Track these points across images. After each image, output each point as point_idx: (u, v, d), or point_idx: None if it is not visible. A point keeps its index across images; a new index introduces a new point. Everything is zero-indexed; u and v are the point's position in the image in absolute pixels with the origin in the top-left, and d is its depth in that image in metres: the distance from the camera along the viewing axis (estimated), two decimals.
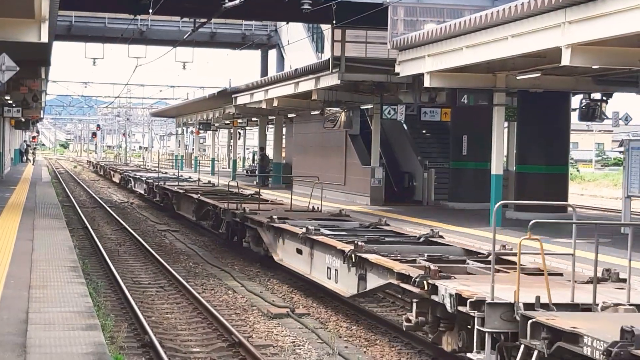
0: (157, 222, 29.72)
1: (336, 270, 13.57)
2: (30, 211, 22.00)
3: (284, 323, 13.39)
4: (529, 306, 8.43)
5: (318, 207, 20.90)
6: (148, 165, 66.61)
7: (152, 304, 14.84)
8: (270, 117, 45.99)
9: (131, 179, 44.52)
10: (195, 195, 25.81)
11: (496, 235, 8.99)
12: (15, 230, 17.30)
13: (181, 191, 28.72)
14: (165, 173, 46.01)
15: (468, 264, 11.62)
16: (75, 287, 11.03)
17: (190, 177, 40.05)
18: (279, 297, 15.82)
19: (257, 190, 24.50)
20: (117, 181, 51.39)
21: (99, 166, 71.48)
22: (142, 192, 39.37)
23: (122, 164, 71.16)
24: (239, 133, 60.83)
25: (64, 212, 25.09)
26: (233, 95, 41.80)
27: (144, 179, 39.96)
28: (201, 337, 12.43)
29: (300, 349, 11.73)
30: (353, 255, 12.61)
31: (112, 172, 56.91)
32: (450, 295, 9.24)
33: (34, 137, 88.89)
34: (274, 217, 17.68)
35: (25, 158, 74.09)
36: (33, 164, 67.22)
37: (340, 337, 12.57)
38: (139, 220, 29.96)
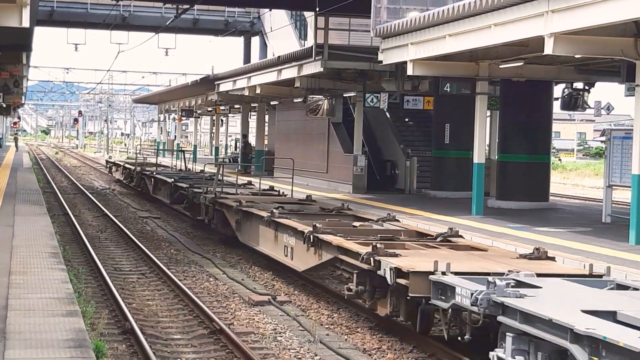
0: (139, 208, 29.63)
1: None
2: (10, 197, 21.89)
3: (265, 310, 13.38)
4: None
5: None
6: (130, 153, 63.93)
7: (133, 291, 14.79)
8: (252, 105, 45.89)
9: None
10: None
11: (477, 223, 9.46)
12: None
13: None
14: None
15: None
16: (56, 274, 11.00)
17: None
18: (260, 284, 15.81)
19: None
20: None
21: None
22: None
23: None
24: (222, 120, 60.67)
25: (45, 198, 24.97)
26: (215, 82, 41.69)
27: None
28: (182, 324, 12.40)
29: (281, 336, 11.73)
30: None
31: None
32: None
33: (14, 123, 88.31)
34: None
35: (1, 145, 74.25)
36: (16, 150, 66.89)
37: (321, 324, 12.58)
38: (120, 207, 29.87)
